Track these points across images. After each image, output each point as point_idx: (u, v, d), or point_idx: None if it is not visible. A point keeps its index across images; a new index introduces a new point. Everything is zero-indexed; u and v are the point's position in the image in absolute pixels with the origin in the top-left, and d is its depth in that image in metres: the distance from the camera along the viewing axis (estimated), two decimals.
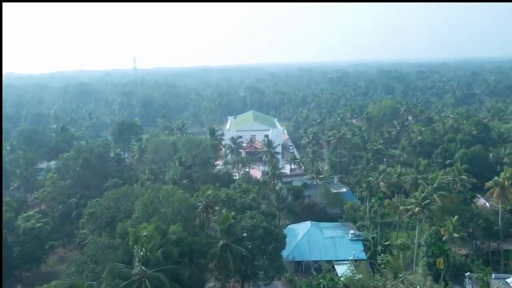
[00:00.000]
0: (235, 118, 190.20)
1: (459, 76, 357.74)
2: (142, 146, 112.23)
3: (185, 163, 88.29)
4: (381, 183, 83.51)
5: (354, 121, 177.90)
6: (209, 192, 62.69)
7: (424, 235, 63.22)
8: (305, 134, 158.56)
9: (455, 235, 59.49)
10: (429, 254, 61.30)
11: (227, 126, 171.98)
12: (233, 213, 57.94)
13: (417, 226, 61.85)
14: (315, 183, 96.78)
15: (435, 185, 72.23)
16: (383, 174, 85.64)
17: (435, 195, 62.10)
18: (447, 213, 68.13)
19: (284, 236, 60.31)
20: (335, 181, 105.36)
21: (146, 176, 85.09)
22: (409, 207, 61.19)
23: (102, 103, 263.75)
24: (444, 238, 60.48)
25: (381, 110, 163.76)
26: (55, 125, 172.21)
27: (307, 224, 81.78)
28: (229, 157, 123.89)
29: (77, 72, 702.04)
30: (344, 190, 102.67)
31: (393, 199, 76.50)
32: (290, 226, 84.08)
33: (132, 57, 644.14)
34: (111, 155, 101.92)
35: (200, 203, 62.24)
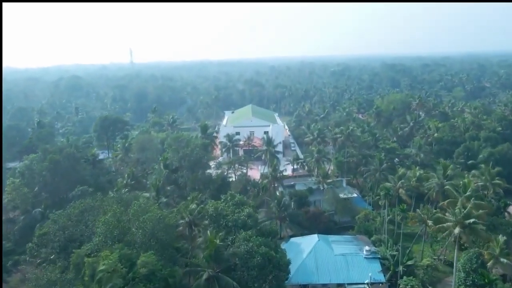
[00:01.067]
0: (232, 112, 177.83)
1: (466, 69, 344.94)
2: (126, 145, 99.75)
3: (171, 165, 75.90)
4: (400, 190, 70.97)
5: (360, 116, 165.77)
6: (193, 206, 50.20)
7: (461, 259, 50.91)
8: (308, 130, 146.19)
9: (503, 260, 47.08)
10: (468, 283, 49.22)
11: (224, 121, 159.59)
12: (221, 234, 45.56)
13: (455, 250, 49.14)
14: (321, 188, 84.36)
15: (468, 193, 59.95)
16: (402, 180, 72.98)
17: (476, 211, 49.20)
18: (486, 229, 55.77)
19: (288, 263, 48.09)
20: (344, 184, 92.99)
21: (125, 181, 72.70)
22: (445, 225, 48.70)
23: (93, 97, 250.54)
24: (488, 264, 48.09)
25: (390, 104, 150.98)
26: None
27: (314, 238, 69.49)
28: (224, 156, 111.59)
29: (74, 66, 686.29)
30: (355, 195, 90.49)
31: (418, 210, 64.04)
32: (293, 239, 71.73)
33: (128, 50, 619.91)
34: (90, 155, 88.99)
35: (182, 220, 49.80)
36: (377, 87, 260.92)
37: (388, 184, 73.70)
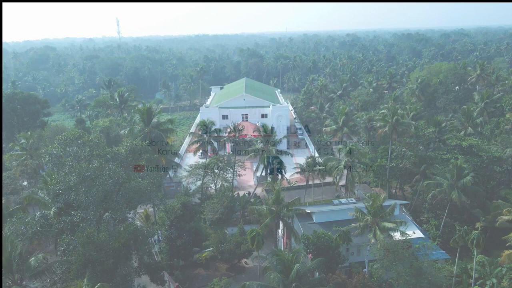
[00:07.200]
0: (221, 88, 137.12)
1: (491, 40, 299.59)
2: (31, 141, 59.88)
3: (68, 201, 36.00)
4: None
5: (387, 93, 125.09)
6: None
7: None
8: (322, 113, 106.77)
9: None
10: None
11: (208, 101, 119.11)
12: None
13: None
14: (368, 232, 44.56)
15: None
16: None
17: None
18: None
19: None
20: (397, 211, 53.12)
21: None
22: None
23: (55, 70, 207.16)
24: None
25: (434, 76, 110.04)
26: None
27: None
28: (196, 157, 72.08)
29: (63, 40, 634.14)
30: (417, 232, 51.40)
31: None
32: None
33: (115, 21, 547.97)
34: None
35: None
36: (398, 58, 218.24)
37: None
